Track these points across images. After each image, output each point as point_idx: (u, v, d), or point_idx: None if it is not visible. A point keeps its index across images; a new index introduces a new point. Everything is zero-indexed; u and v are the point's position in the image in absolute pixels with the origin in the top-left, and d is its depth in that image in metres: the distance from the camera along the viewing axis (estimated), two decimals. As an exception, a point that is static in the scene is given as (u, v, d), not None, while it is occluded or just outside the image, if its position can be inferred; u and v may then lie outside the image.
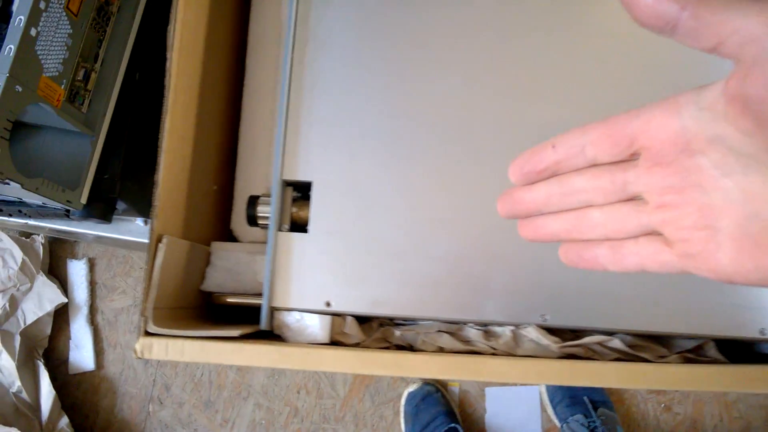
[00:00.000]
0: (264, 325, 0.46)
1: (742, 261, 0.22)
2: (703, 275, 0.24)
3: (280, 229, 0.49)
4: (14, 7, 0.61)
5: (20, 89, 0.53)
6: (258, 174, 0.57)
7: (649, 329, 0.49)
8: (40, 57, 0.55)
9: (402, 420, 1.07)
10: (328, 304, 0.48)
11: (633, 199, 0.26)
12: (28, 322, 1.02)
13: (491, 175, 0.49)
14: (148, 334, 0.42)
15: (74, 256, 1.14)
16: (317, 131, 0.50)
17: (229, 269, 0.52)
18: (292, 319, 0.47)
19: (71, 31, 0.59)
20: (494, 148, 0.50)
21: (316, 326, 0.47)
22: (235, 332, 0.43)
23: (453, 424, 1.00)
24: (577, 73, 0.50)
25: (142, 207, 0.80)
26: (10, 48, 0.52)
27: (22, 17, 0.53)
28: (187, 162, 0.50)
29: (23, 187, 0.56)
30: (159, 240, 0.44)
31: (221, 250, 0.53)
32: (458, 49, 0.51)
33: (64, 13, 0.58)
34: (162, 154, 0.45)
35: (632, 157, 0.25)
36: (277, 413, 1.09)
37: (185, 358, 0.41)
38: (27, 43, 0.53)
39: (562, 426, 1.04)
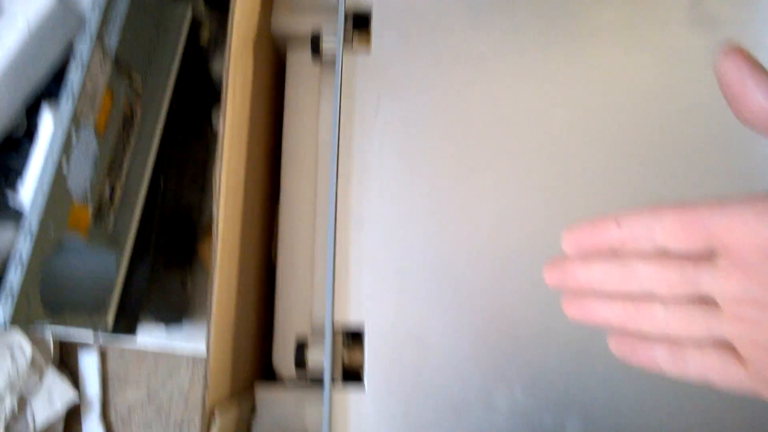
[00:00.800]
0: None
1: None
2: None
3: (332, 382, 0.45)
4: (41, 132, 0.59)
5: (52, 226, 0.50)
6: (299, 305, 0.53)
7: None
8: (71, 189, 0.52)
9: None
10: (390, 471, 0.44)
11: (704, 300, 0.22)
12: (39, 425, 0.97)
13: (554, 304, 0.46)
14: None
15: (85, 344, 1.09)
16: (367, 270, 0.47)
17: (276, 421, 0.48)
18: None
19: (99, 152, 0.57)
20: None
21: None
22: None
23: None
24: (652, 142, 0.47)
25: (166, 314, 0.77)
26: (44, 185, 0.49)
27: (54, 151, 0.50)
28: (232, 304, 0.47)
29: (51, 323, 0.52)
30: (212, 414, 0.40)
31: (267, 397, 0.49)
32: (510, 174, 0.48)
33: (93, 135, 0.55)
34: (212, 308, 0.41)
35: (709, 252, 0.21)
36: None
37: None
38: (60, 178, 0.50)
39: None
